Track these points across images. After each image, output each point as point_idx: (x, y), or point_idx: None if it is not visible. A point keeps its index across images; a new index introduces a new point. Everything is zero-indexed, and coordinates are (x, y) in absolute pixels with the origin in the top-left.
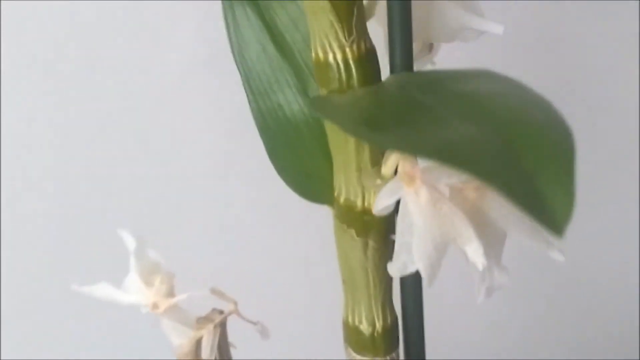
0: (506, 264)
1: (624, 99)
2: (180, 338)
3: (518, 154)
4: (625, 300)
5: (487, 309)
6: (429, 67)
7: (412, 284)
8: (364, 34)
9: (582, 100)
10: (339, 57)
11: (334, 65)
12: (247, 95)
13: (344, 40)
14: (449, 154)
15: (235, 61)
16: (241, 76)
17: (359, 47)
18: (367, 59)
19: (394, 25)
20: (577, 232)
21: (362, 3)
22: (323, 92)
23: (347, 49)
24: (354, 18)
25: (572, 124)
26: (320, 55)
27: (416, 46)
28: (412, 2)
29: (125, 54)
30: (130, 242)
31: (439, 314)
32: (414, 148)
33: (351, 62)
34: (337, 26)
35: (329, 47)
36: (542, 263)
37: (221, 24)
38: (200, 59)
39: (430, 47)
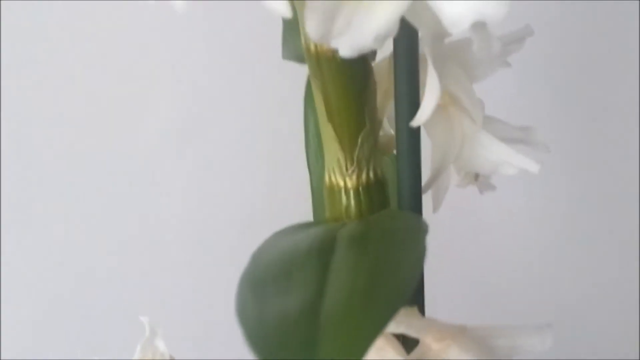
0: (506, 264)
1: (624, 98)
2: None
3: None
4: (625, 301)
5: (487, 307)
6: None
7: None
8: (370, 164)
9: (582, 100)
10: (340, 184)
11: (336, 192)
12: None
13: (344, 170)
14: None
15: (308, 163)
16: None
17: (358, 178)
18: (369, 189)
19: (402, 157)
20: (577, 231)
21: (371, 134)
22: (327, 215)
23: (347, 179)
24: (357, 149)
25: (572, 124)
26: (326, 178)
27: (459, 176)
28: (459, 135)
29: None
30: (145, 328)
31: None
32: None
33: (351, 191)
34: (339, 154)
35: (333, 172)
36: (541, 263)
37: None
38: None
39: (476, 177)
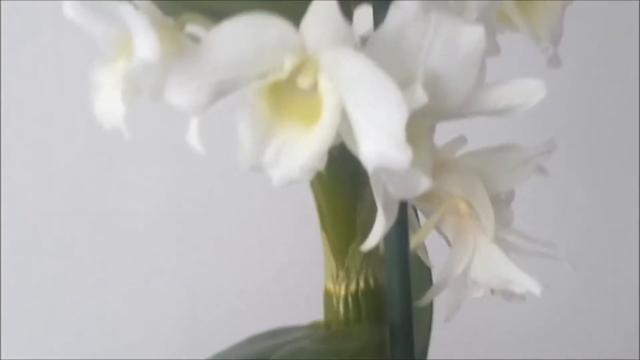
0: None
1: (624, 99)
2: None
3: None
4: (625, 300)
5: (486, 308)
6: None
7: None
8: (361, 274)
9: (582, 101)
10: (331, 290)
11: (328, 296)
12: None
13: (335, 277)
14: None
15: None
16: None
17: (347, 286)
18: (358, 298)
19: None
20: (577, 231)
21: (359, 245)
22: (323, 318)
23: (337, 286)
24: (347, 258)
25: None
26: (324, 282)
27: (475, 288)
28: (471, 246)
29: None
30: None
31: None
32: None
33: (340, 298)
34: (332, 262)
35: (327, 278)
36: (541, 263)
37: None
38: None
39: (492, 291)
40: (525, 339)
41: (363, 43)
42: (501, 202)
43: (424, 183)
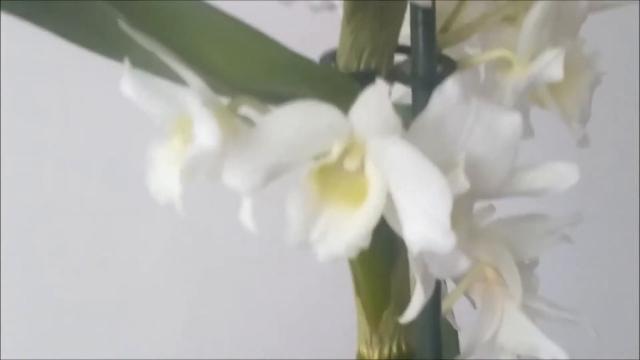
0: None
1: (624, 99)
2: None
3: None
4: (625, 301)
5: None
6: None
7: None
8: (394, 340)
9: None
10: (365, 354)
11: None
12: None
13: (368, 342)
14: None
15: None
16: None
17: (380, 352)
18: None
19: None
20: (577, 231)
21: (396, 311)
22: None
23: (370, 351)
24: (381, 324)
25: None
26: (357, 345)
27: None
28: (499, 312)
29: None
30: None
31: None
32: None
33: None
34: (365, 327)
35: (361, 342)
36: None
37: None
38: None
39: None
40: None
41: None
42: (526, 268)
43: (463, 263)
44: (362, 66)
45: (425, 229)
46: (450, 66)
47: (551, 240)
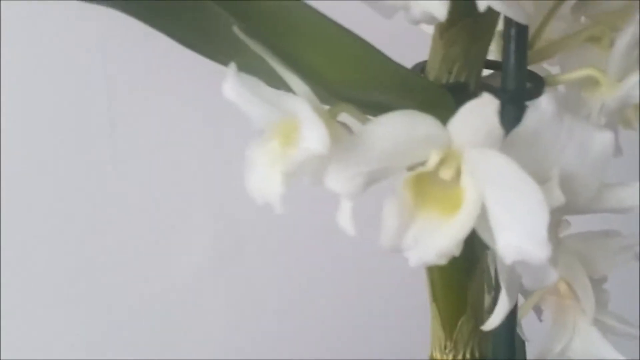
0: None
1: None
2: None
3: None
4: (625, 301)
5: None
6: None
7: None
8: (468, 347)
9: None
10: (438, 359)
11: None
12: None
13: (443, 348)
14: None
15: None
16: None
17: (454, 358)
18: None
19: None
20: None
21: (472, 319)
22: None
23: (444, 357)
24: (456, 331)
25: None
26: (430, 351)
27: None
28: (570, 326)
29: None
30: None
31: None
32: None
33: None
34: (440, 333)
35: (434, 348)
36: None
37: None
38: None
39: None
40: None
41: None
42: (596, 283)
43: (553, 276)
44: (452, 79)
45: (522, 239)
46: (538, 83)
47: (623, 258)
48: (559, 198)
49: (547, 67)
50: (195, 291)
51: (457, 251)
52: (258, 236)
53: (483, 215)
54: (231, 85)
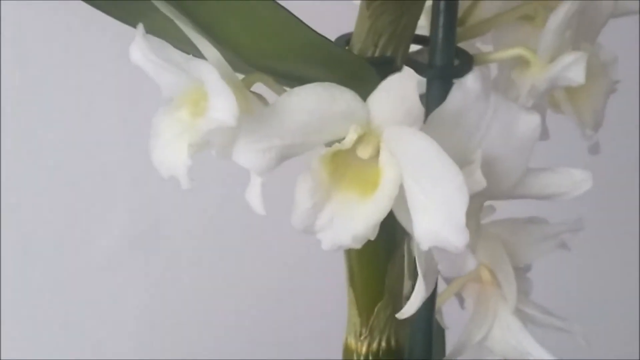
0: None
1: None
2: None
3: None
4: (625, 301)
5: None
6: None
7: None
8: (384, 334)
9: None
10: (353, 347)
11: (349, 353)
12: None
13: (358, 334)
14: None
15: None
16: None
17: (369, 345)
18: (379, 358)
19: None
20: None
21: (389, 305)
22: None
23: (359, 343)
24: (373, 317)
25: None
26: (345, 337)
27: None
28: (491, 314)
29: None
30: None
31: None
32: None
33: (361, 357)
34: (356, 319)
35: (349, 334)
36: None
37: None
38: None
39: None
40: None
41: None
42: (519, 272)
43: (471, 263)
44: (377, 52)
45: (439, 225)
46: (467, 60)
47: (549, 246)
48: (481, 182)
49: (480, 47)
50: (112, 271)
51: (373, 234)
52: (176, 216)
53: (401, 197)
54: (138, 47)
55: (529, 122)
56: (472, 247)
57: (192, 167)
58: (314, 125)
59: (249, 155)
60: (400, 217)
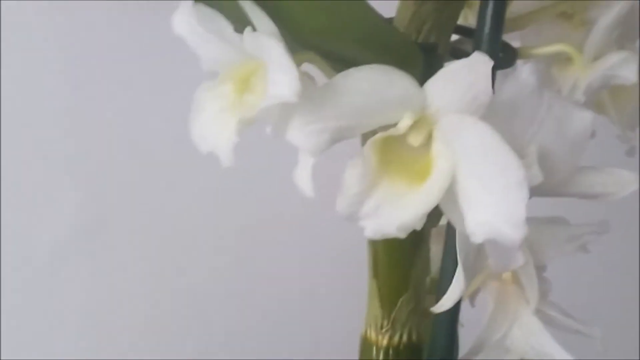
0: None
1: None
2: None
3: None
4: (625, 301)
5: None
6: None
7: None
8: (406, 327)
9: None
10: (373, 339)
11: (368, 345)
12: None
13: (379, 327)
14: None
15: None
16: None
17: (391, 338)
18: (399, 351)
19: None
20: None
21: (412, 299)
22: None
23: (380, 336)
24: (395, 310)
25: None
26: (364, 329)
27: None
28: (511, 313)
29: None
30: None
31: None
32: None
33: (381, 350)
34: (378, 311)
35: (369, 326)
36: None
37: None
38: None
39: None
40: None
41: None
42: (539, 272)
43: (519, 259)
44: (420, 39)
45: (496, 217)
46: (511, 53)
47: (571, 247)
48: (537, 176)
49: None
50: (56, 265)
51: (420, 225)
52: (123, 208)
53: (451, 188)
54: (185, 17)
55: (583, 119)
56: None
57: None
58: (369, 108)
59: (304, 135)
60: (446, 208)
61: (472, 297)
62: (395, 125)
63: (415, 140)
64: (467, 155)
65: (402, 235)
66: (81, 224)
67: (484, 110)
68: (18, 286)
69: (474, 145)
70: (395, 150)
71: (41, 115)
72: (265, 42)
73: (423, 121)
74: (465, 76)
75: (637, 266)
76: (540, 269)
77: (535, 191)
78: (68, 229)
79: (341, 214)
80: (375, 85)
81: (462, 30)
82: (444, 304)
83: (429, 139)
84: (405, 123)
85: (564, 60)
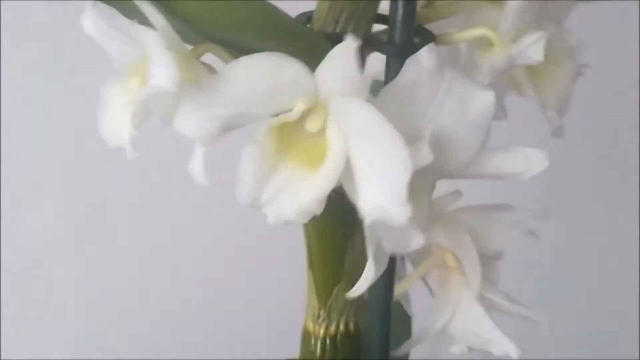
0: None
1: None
2: None
3: None
4: (625, 301)
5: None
6: None
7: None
8: (342, 317)
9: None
10: (311, 329)
11: (307, 335)
12: None
13: (316, 317)
14: None
15: None
16: None
17: (327, 328)
18: (336, 341)
19: (373, 311)
20: (577, 230)
21: (348, 288)
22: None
23: (317, 326)
24: (331, 300)
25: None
26: (304, 320)
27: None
28: (454, 301)
29: None
30: None
31: None
32: None
33: (319, 339)
34: (314, 302)
35: (308, 316)
36: (542, 263)
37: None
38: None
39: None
40: (525, 338)
41: (372, 90)
42: (488, 260)
43: (417, 241)
44: (338, 30)
45: (380, 197)
46: (428, 39)
47: (515, 233)
48: (427, 157)
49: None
50: (45, 260)
51: (319, 209)
52: (112, 203)
53: (349, 172)
54: (89, 17)
55: (483, 98)
56: (421, 225)
57: (137, 137)
58: (259, 95)
59: (191, 123)
60: (350, 192)
61: (430, 288)
62: (290, 111)
63: (313, 125)
64: (355, 137)
65: (303, 220)
66: (70, 221)
67: (366, 92)
68: (8, 281)
69: (361, 127)
70: (295, 136)
71: (31, 111)
72: (144, 35)
73: (318, 106)
74: (340, 59)
75: (637, 266)
76: (488, 256)
77: (439, 172)
78: (57, 224)
79: (242, 202)
80: (264, 72)
81: (385, 20)
82: (357, 288)
83: (325, 123)
84: (298, 109)
85: (488, 45)
